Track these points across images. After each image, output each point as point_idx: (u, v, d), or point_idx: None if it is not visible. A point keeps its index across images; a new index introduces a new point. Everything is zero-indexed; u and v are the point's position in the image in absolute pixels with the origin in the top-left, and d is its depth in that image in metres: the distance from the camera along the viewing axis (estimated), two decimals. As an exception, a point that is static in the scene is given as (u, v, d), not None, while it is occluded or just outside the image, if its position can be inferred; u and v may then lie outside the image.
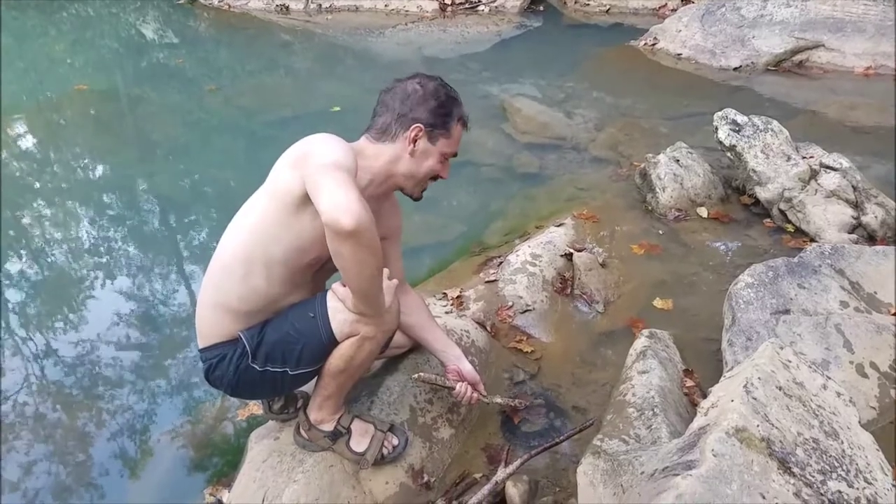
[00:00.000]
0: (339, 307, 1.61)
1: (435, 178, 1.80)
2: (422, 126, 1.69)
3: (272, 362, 1.67)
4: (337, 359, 1.66)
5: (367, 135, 1.74)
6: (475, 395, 1.95)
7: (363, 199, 1.41)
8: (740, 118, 3.39)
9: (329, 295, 1.64)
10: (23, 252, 3.69)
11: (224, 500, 1.97)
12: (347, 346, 1.64)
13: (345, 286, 1.60)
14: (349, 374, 1.73)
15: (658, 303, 2.66)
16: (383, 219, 1.83)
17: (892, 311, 2.23)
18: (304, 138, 1.61)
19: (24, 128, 5.42)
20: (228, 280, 1.65)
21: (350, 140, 1.71)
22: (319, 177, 1.45)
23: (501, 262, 2.86)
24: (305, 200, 1.53)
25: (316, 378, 1.76)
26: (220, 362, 1.69)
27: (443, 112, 1.71)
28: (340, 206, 1.36)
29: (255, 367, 1.67)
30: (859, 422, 1.51)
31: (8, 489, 2.21)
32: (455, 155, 1.80)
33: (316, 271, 1.73)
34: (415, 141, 1.70)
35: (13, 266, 3.52)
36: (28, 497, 2.20)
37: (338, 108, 5.00)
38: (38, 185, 4.50)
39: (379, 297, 1.57)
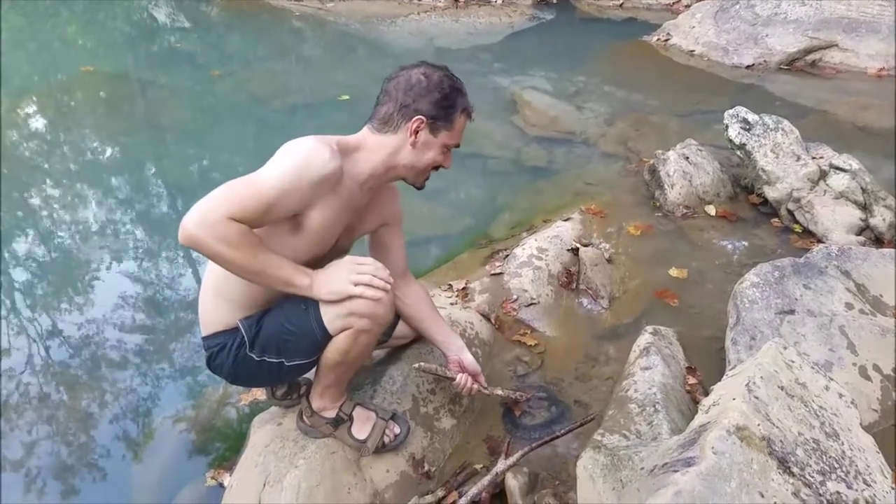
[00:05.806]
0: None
1: (437, 167, 1.78)
2: (424, 118, 1.65)
3: (268, 353, 1.67)
4: (333, 352, 1.67)
5: (369, 124, 1.70)
6: (475, 386, 1.96)
7: (225, 218, 1.43)
8: (751, 117, 3.37)
9: None
10: (30, 232, 3.71)
11: (225, 483, 1.99)
12: (343, 340, 1.64)
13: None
14: (346, 366, 1.73)
15: (674, 272, 2.77)
16: (380, 206, 1.83)
17: (898, 314, 2.23)
18: (287, 142, 1.58)
19: (33, 108, 5.44)
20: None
21: (353, 131, 1.70)
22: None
23: (507, 255, 2.86)
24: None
25: (316, 366, 1.77)
26: (220, 351, 1.70)
27: (446, 104, 1.67)
28: (190, 217, 1.44)
29: (253, 356, 1.67)
30: (860, 424, 1.51)
31: (10, 468, 2.23)
32: (458, 146, 1.77)
33: (318, 263, 1.73)
34: (416, 133, 1.66)
35: (20, 246, 3.54)
36: (31, 476, 2.22)
37: (347, 97, 4.98)
38: (46, 165, 4.52)
39: (275, 275, 1.53)
